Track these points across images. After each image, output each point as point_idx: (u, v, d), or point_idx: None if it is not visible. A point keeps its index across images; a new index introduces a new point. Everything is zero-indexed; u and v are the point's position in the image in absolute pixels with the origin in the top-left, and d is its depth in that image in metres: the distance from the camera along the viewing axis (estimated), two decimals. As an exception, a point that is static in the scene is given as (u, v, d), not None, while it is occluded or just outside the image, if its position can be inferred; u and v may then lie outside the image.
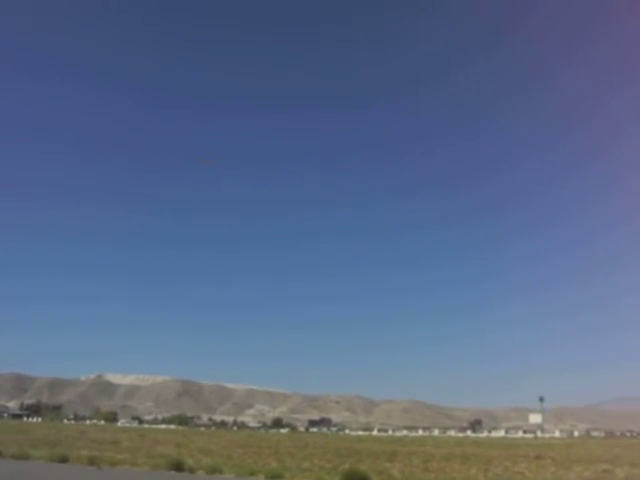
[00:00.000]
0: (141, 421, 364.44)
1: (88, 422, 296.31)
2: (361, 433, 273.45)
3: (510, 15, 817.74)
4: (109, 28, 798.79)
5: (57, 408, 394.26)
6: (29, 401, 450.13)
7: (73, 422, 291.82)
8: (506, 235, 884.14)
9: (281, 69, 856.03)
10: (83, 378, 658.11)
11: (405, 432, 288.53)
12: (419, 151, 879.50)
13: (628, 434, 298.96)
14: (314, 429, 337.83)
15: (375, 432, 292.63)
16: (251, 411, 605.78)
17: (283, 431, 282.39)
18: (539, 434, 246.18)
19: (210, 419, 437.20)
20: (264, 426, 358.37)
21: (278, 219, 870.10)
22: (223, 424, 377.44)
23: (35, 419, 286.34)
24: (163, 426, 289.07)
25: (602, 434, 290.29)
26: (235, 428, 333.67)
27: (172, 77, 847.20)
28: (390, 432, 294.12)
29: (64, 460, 42.34)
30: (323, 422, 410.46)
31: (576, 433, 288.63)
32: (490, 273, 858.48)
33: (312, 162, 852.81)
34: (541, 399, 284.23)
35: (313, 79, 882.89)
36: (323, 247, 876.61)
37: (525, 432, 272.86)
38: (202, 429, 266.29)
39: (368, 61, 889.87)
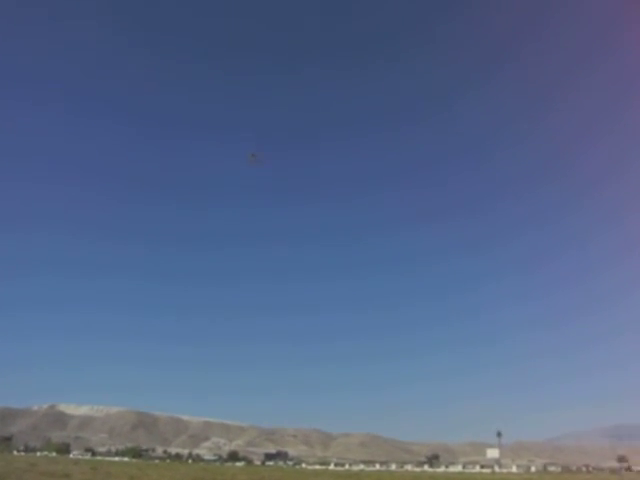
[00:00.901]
0: (94, 453, 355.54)
1: (39, 454, 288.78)
2: (318, 467, 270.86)
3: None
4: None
5: (7, 439, 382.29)
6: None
7: (23, 454, 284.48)
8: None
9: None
10: (35, 408, 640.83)
11: (362, 466, 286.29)
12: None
13: (584, 469, 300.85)
14: (270, 462, 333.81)
15: (332, 466, 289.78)
16: (207, 444, 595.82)
17: (239, 464, 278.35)
18: (497, 469, 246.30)
19: (165, 451, 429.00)
20: (220, 459, 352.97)
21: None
22: (178, 457, 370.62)
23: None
24: (117, 458, 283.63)
25: (559, 469, 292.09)
26: (190, 461, 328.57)
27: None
28: (347, 466, 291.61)
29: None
30: (279, 455, 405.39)
31: (533, 468, 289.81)
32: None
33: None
34: (499, 434, 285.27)
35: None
36: (277, 284, 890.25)
37: (482, 467, 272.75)
38: (157, 462, 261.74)
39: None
